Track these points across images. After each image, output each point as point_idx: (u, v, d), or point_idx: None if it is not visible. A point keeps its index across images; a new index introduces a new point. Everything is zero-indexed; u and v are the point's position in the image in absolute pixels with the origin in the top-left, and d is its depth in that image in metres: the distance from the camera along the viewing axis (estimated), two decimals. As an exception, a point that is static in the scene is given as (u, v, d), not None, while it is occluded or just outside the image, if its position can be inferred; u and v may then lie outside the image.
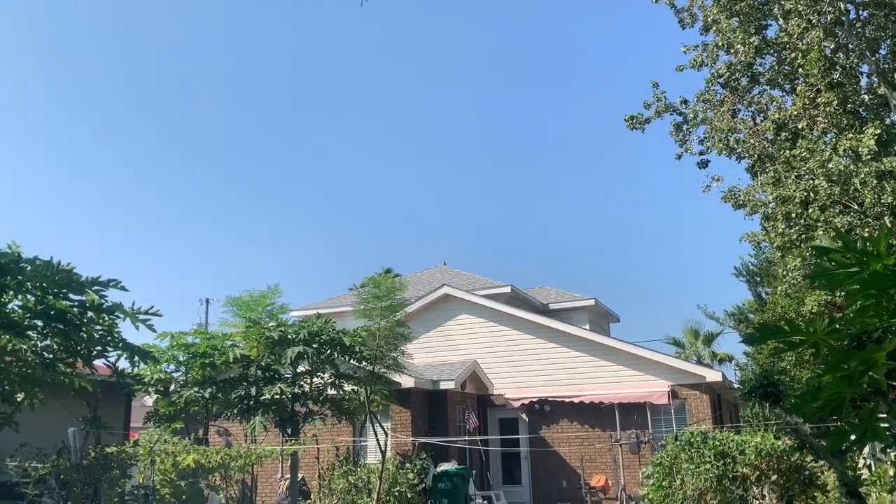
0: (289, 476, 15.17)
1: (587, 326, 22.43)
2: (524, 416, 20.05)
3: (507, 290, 22.97)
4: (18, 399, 9.12)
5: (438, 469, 15.07)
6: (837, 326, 3.09)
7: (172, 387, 13.56)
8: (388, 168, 73.65)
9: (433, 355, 20.45)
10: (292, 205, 74.71)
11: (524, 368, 20.36)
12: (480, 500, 17.17)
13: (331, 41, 71.46)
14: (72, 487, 8.00)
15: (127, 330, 12.00)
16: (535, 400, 19.84)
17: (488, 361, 20.42)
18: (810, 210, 13.20)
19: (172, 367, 13.73)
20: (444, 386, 18.06)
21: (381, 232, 76.55)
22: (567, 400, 19.46)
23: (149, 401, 17.22)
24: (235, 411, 13.13)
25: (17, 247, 8.64)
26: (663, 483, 10.80)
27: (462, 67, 68.69)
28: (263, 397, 13.15)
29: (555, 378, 19.93)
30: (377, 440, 11.46)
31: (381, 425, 12.02)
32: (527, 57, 68.49)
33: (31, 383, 9.03)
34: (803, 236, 13.20)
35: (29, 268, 7.97)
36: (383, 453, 11.27)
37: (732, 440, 10.42)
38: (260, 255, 75.71)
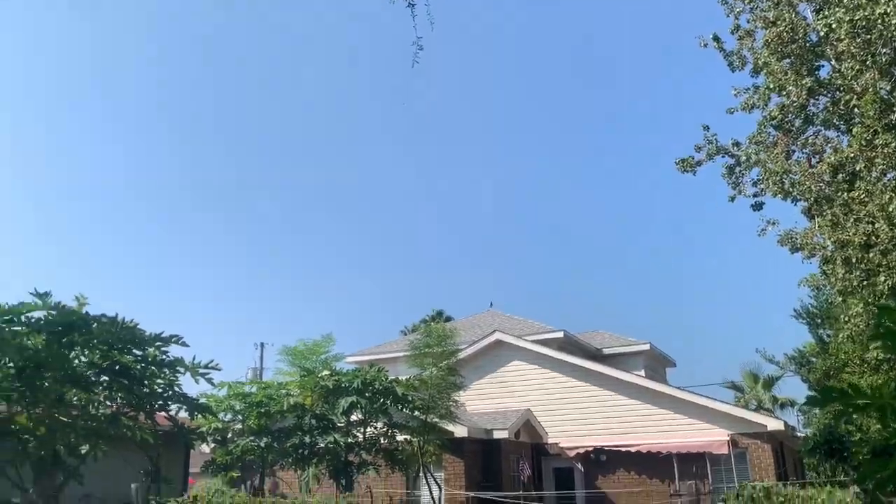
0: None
1: (642, 372, 22.02)
2: (579, 465, 19.67)
3: (560, 335, 22.75)
4: (83, 452, 9.38)
5: (492, 521, 14.85)
6: (904, 390, 3.02)
7: (230, 435, 13.74)
8: (441, 210, 74.21)
9: (486, 402, 20.31)
10: (343, 245, 75.70)
11: (579, 416, 20.04)
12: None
13: (379, 71, 72.98)
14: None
15: (187, 381, 12.31)
16: (590, 449, 19.46)
17: (542, 409, 20.17)
18: (871, 254, 12.85)
19: (229, 416, 13.94)
20: (497, 435, 17.87)
21: (431, 274, 76.79)
22: (623, 449, 19.04)
23: (206, 448, 17.50)
24: (290, 460, 13.24)
25: (84, 298, 8.98)
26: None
27: (515, 111, 69.28)
28: (318, 446, 13.23)
29: (610, 426, 19.55)
30: (430, 493, 11.39)
31: (434, 478, 11.96)
32: (576, 103, 68.77)
33: (96, 436, 9.30)
34: (864, 282, 12.83)
35: (95, 325, 8.29)
36: (437, 506, 11.22)
37: (798, 496, 10.05)
38: (315, 298, 76.60)
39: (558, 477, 19.96)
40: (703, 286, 70.87)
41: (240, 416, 14.09)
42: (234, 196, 70.96)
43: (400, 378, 14.59)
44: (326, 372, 14.70)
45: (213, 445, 15.58)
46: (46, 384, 8.49)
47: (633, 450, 18.83)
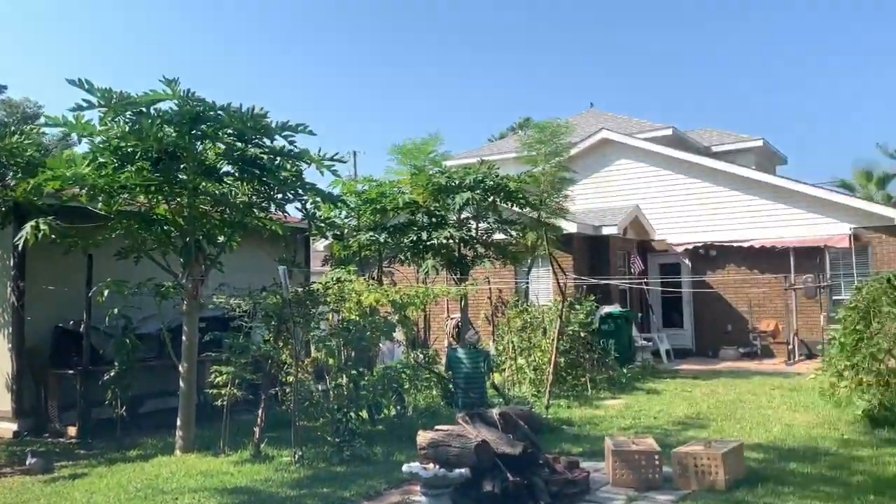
0: (455, 315, 15.76)
1: (753, 168, 21.09)
2: (686, 261, 19.52)
3: (669, 132, 21.85)
4: (220, 241, 9.77)
5: (603, 311, 15.11)
6: None
7: (345, 231, 14.07)
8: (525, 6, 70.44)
9: (593, 201, 20.05)
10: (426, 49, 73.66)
11: (687, 213, 19.61)
12: (643, 342, 17.23)
13: None
14: (282, 320, 8.61)
15: (310, 176, 12.39)
16: (699, 245, 19.19)
17: (649, 207, 19.79)
18: None
19: (344, 213, 14.19)
20: (606, 231, 17.78)
21: (520, 73, 74.44)
22: (735, 244, 18.65)
23: (320, 246, 18.12)
24: (408, 254, 13.56)
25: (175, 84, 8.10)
26: (857, 327, 10.21)
27: None
28: (432, 241, 13.42)
29: (720, 222, 19.10)
30: (557, 281, 11.52)
31: (558, 264, 12.05)
32: None
33: (231, 227, 9.61)
34: None
35: (224, 114, 8.23)
36: (563, 292, 11.36)
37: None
38: (402, 105, 76.00)
39: (665, 272, 19.91)
40: (814, 79, 66.03)
41: (354, 213, 14.33)
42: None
43: (510, 175, 14.42)
44: (436, 170, 14.64)
45: (329, 241, 16.13)
46: (182, 175, 8.66)
47: (745, 245, 18.42)
